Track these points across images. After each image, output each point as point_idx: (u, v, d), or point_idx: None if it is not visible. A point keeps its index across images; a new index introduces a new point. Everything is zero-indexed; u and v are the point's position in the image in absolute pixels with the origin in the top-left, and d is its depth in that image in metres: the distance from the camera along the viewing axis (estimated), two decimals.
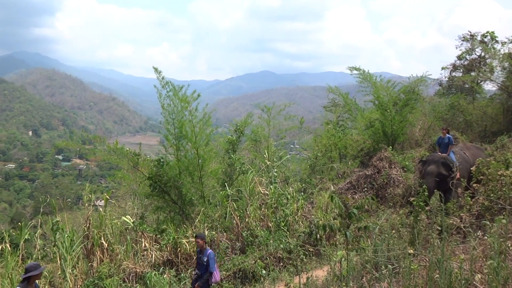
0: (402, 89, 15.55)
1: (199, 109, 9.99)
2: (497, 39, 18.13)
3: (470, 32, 19.31)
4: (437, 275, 4.02)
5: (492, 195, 6.96)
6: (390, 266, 4.38)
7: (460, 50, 19.60)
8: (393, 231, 5.46)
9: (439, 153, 10.06)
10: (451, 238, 5.18)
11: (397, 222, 6.56)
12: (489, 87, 18.79)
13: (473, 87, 18.32)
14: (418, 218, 5.88)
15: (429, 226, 5.41)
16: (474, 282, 4.10)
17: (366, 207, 6.68)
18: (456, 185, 9.14)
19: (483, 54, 18.68)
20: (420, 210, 6.29)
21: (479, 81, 18.20)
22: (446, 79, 20.59)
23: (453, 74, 20.26)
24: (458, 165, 9.50)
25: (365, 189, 11.77)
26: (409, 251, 4.60)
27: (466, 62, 19.55)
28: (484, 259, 4.42)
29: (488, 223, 4.63)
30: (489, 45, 18.15)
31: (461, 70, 19.84)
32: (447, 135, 10.62)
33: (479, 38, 18.87)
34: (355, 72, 15.56)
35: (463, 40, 19.40)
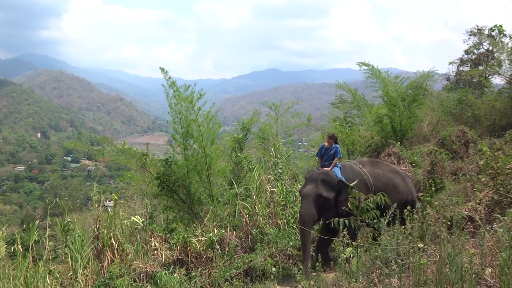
0: (409, 84, 15.51)
1: (206, 108, 9.99)
2: (505, 32, 18.04)
3: (478, 26, 19.23)
4: (448, 270, 4.01)
5: (501, 189, 6.94)
6: (399, 261, 4.38)
7: (468, 44, 19.54)
8: (402, 227, 5.45)
9: (320, 168, 7.86)
10: (461, 232, 5.17)
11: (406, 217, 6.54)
12: (497, 81, 18.70)
13: (481, 81, 18.22)
14: (425, 213, 5.87)
15: (438, 221, 5.40)
16: (485, 276, 4.10)
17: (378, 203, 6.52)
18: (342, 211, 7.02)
19: (491, 48, 18.59)
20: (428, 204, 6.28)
21: (487, 75, 18.10)
22: (454, 73, 20.53)
23: (461, 68, 20.20)
24: (345, 182, 7.37)
25: None
26: (418, 246, 4.59)
27: (473, 57, 19.48)
28: (495, 253, 4.41)
29: (498, 216, 4.62)
30: (497, 39, 18.05)
31: (469, 65, 19.77)
32: (334, 144, 8.02)
33: (486, 32, 18.78)
34: (364, 67, 15.53)
35: (470, 34, 19.32)
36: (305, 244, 7.11)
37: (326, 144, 8.07)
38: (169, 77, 9.64)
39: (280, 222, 9.37)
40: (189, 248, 8.36)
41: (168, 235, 8.98)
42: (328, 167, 7.70)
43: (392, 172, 8.11)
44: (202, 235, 8.51)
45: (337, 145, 8.01)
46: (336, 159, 7.77)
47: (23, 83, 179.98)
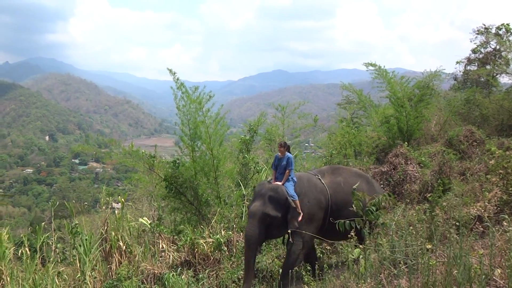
0: (416, 84, 15.42)
1: (214, 110, 9.98)
2: None
3: (485, 25, 19.11)
4: (456, 271, 3.99)
5: (511, 189, 6.88)
6: (409, 261, 4.35)
7: (475, 43, 19.40)
8: (411, 227, 5.42)
9: (274, 182, 7.02)
10: (470, 233, 5.13)
11: (414, 218, 6.51)
12: (505, 80, 18.57)
13: (488, 81, 18.10)
14: (434, 214, 5.84)
15: (447, 221, 5.37)
16: (494, 277, 4.06)
17: (383, 204, 6.30)
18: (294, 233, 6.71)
19: (498, 47, 18.46)
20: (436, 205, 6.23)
21: (494, 74, 17.97)
22: (461, 73, 20.40)
23: (468, 68, 20.06)
24: (297, 200, 6.72)
25: (381, 186, 11.69)
26: (427, 247, 4.56)
27: (481, 56, 19.34)
28: (504, 254, 4.38)
29: (507, 217, 4.59)
30: (504, 38, 17.93)
31: (476, 64, 19.64)
32: (287, 153, 7.05)
33: (493, 30, 18.66)
34: (370, 68, 15.46)
35: (477, 33, 19.19)
36: (248, 265, 6.67)
37: (279, 154, 7.17)
38: (178, 79, 9.65)
39: None
40: (196, 249, 8.36)
41: (175, 237, 8.98)
42: (281, 180, 6.94)
43: (355, 176, 7.59)
44: (210, 236, 8.50)
45: (290, 155, 7.09)
46: (287, 171, 6.90)
47: (31, 86, 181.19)
